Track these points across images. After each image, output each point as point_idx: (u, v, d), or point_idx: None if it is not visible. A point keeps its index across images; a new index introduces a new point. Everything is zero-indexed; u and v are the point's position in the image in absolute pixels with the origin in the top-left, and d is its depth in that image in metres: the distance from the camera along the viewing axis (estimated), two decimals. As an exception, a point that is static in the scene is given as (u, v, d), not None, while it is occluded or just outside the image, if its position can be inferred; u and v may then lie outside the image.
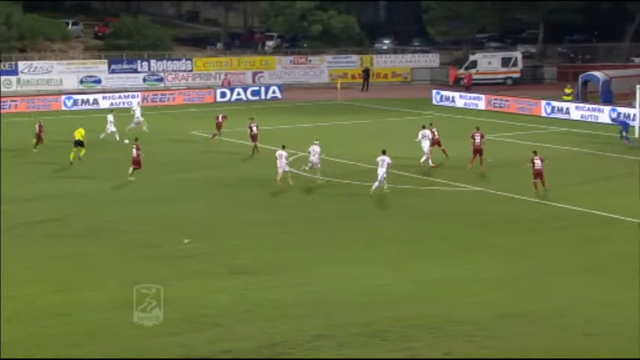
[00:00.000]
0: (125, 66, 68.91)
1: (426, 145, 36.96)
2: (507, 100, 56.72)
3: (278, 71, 72.39)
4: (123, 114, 49.23)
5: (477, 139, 36.39)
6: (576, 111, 52.28)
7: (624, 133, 42.90)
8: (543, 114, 53.62)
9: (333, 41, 77.27)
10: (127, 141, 40.51)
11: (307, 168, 34.81)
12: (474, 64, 70.65)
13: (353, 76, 73.14)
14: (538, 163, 32.36)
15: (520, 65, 71.10)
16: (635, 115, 47.21)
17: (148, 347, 18.21)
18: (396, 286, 22.15)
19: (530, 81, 71.53)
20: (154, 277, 22.46)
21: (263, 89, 65.70)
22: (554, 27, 77.10)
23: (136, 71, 68.79)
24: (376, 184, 32.06)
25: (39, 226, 27.98)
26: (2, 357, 17.77)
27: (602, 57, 74.52)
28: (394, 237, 26.71)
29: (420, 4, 79.19)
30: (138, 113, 47.18)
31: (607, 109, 50.67)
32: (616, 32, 76.25)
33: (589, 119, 50.99)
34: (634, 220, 28.23)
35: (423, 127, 37.87)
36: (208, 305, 20.60)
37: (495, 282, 22.39)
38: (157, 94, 63.19)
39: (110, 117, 44.20)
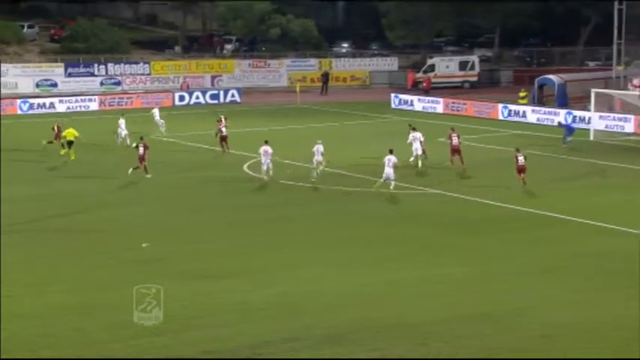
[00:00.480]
0: (82, 69, 68.53)
1: (417, 147, 37.61)
2: (465, 104, 57.47)
3: (237, 75, 72.47)
4: (80, 117, 48.95)
5: (455, 139, 37.36)
6: (532, 114, 53.13)
7: (568, 138, 43.15)
8: (500, 117, 54.40)
9: (292, 45, 77.57)
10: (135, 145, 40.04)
11: (318, 172, 34.99)
12: (432, 67, 71.39)
13: (312, 80, 73.46)
14: (521, 159, 33.67)
15: (477, 69, 72.00)
16: (590, 118, 48.18)
17: (123, 350, 18.30)
18: (359, 287, 22.43)
19: (487, 84, 72.44)
20: (116, 282, 22.56)
21: (222, 93, 65.76)
22: (510, 31, 78.22)
23: (93, 75, 68.47)
24: (380, 181, 32.91)
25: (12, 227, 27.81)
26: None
27: (557, 61, 75.80)
28: (356, 239, 27.03)
29: (379, 9, 79.77)
30: (157, 116, 47.11)
31: (562, 112, 51.56)
32: (570, 37, 77.55)
33: (545, 122, 51.86)
34: (588, 221, 28.83)
35: (413, 130, 38.62)
36: (181, 308, 20.68)
37: (457, 283, 22.74)
38: (114, 98, 62.95)
39: (122, 121, 43.99)
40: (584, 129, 47.33)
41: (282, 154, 40.63)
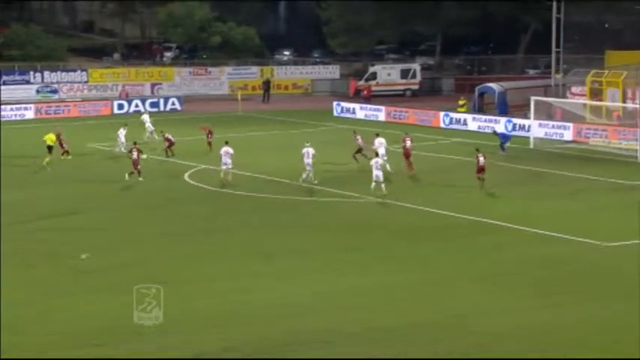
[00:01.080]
0: (17, 77, 67.57)
1: (383, 152, 38.49)
2: (407, 112, 58.07)
3: (177, 83, 72.17)
4: (15, 126, 48.27)
5: (408, 142, 38.37)
6: (473, 122, 53.89)
7: (506, 144, 43.80)
8: (442, 125, 55.09)
9: (233, 52, 77.55)
10: (144, 156, 39.76)
11: (306, 176, 36.10)
12: (374, 75, 71.96)
13: (253, 88, 73.48)
14: (482, 159, 35.25)
15: (419, 77, 72.78)
16: (529, 125, 49.07)
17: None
18: (297, 297, 22.55)
19: (428, 93, 73.23)
20: (49, 293, 22.36)
21: (162, 101, 65.44)
22: (451, 39, 79.25)
23: (28, 82, 67.55)
24: (373, 184, 33.83)
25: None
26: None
27: (497, 69, 76.98)
28: (298, 248, 27.17)
29: (320, 16, 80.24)
30: (148, 122, 47.14)
31: (503, 120, 52.39)
32: (511, 44, 78.86)
33: (485, 130, 52.59)
34: (528, 229, 29.40)
35: (377, 136, 39.68)
36: (114, 319, 20.63)
37: (397, 291, 23.01)
38: (51, 107, 62.19)
39: (147, 120, 45.02)
40: (524, 137, 48.18)
41: (216, 162, 40.59)
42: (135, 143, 37.79)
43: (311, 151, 36.37)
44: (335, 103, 62.35)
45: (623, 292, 22.81)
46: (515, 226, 29.73)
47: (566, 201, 33.93)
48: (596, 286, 23.37)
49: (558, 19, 56.10)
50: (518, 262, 25.64)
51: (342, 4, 77.86)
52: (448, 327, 20.53)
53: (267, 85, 71.88)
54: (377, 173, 34.13)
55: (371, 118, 58.96)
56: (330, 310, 21.65)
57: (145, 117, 48.97)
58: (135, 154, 36.59)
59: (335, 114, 60.95)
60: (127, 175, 36.71)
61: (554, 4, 56.23)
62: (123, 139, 43.73)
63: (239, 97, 65.92)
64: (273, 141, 45.67)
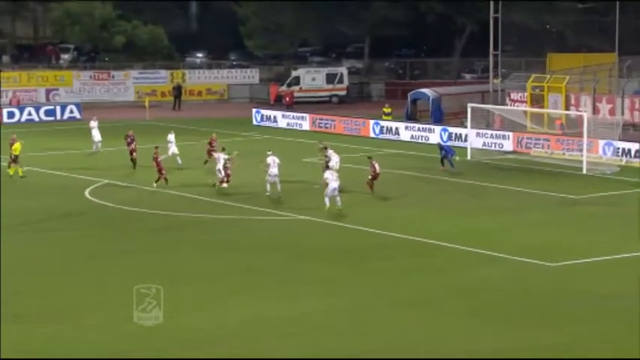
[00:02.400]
0: None
1: (333, 163, 39.00)
2: (333, 120, 58.33)
3: (76, 88, 71.23)
4: None
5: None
6: (406, 131, 54.37)
7: (454, 157, 43.51)
8: (372, 134, 55.45)
9: (139, 54, 76.94)
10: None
11: (270, 188, 36.72)
12: (297, 80, 72.17)
13: (163, 94, 73.01)
14: (377, 167, 36.55)
15: (346, 82, 73.23)
16: (466, 135, 49.73)
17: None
18: (200, 325, 22.31)
19: (357, 99, 73.82)
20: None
21: (59, 109, 64.46)
22: (381, 41, 79.98)
23: None
24: (326, 199, 34.22)
25: None
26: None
27: (431, 73, 78.00)
28: (205, 272, 26.99)
29: (237, 15, 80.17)
30: (173, 145, 45.22)
31: (438, 129, 53.03)
32: (445, 47, 79.96)
33: (419, 140, 53.17)
34: (465, 248, 29.70)
35: (325, 148, 40.72)
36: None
37: (313, 320, 22.91)
38: None
39: (172, 140, 44.14)
40: (461, 147, 48.78)
41: (127, 177, 40.23)
42: (156, 147, 39.19)
43: (276, 159, 37.00)
44: (254, 111, 62.29)
45: (574, 315, 23.11)
46: (452, 246, 29.97)
47: (507, 217, 34.40)
48: (544, 310, 23.64)
49: (496, 20, 57.11)
50: (454, 286, 25.76)
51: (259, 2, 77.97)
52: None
53: (178, 90, 71.45)
54: (334, 185, 34.26)
55: (294, 127, 59.04)
56: (237, 341, 21.37)
57: (171, 137, 45.59)
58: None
59: (254, 122, 60.88)
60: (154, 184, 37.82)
61: (492, 3, 57.23)
62: (175, 149, 43.89)
63: (146, 104, 65.35)
64: (185, 153, 45.31)
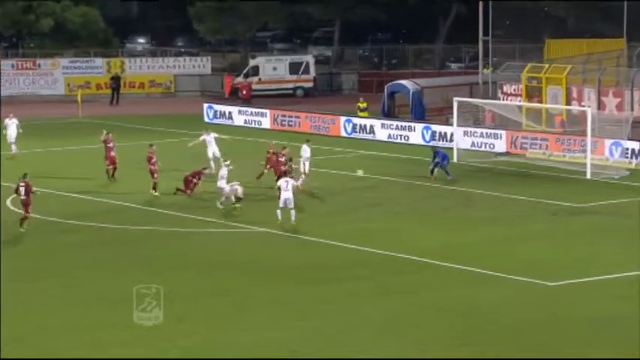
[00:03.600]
0: None
1: (306, 163, 39.95)
2: (298, 117, 58.48)
3: (-4, 79, 70.97)
4: None
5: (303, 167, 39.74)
6: (382, 130, 54.61)
7: (444, 164, 42.90)
8: (343, 133, 55.66)
9: (70, 40, 76.75)
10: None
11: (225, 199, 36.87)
12: (256, 70, 72.25)
13: (98, 86, 72.87)
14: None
15: (313, 72, 73.41)
16: (452, 134, 50.04)
17: None
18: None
19: (325, 92, 74.01)
20: None
21: (-25, 104, 64.15)
22: (353, 24, 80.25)
23: None
24: (278, 210, 34.25)
25: None
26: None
27: (411, 62, 78.27)
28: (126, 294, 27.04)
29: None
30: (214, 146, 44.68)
31: (419, 126, 53.34)
32: (428, 32, 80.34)
33: (398, 140, 53.43)
34: (451, 265, 29.93)
35: (307, 142, 41.37)
36: None
37: (272, 348, 23.00)
38: None
39: (208, 137, 44.06)
40: (446, 148, 49.06)
41: (52, 183, 40.11)
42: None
43: (225, 171, 37.55)
44: (206, 106, 62.29)
45: (571, 344, 23.42)
46: (437, 263, 30.18)
47: (499, 230, 34.66)
48: (539, 337, 23.89)
49: (486, 0, 57.50)
50: (438, 310, 25.89)
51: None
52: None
53: (116, 82, 71.35)
54: (286, 196, 34.40)
55: (252, 125, 59.11)
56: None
57: (208, 137, 44.86)
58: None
59: (206, 119, 60.87)
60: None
61: (481, -19, 57.69)
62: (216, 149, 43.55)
63: (79, 98, 65.15)
64: (126, 156, 45.19)
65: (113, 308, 25.79)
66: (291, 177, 36.37)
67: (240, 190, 37.20)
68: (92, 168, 43.98)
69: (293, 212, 34.52)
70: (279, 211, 34.64)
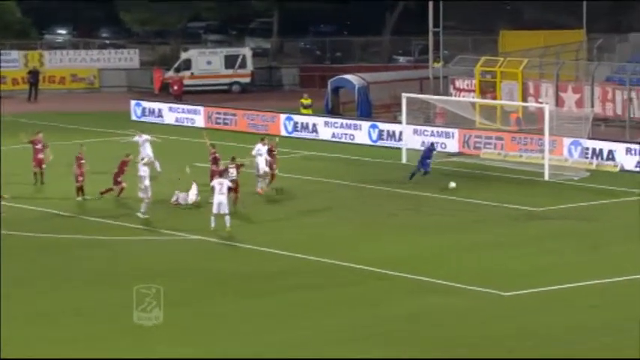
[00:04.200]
0: None
1: (261, 163, 39.75)
2: (234, 114, 58.46)
3: None
4: None
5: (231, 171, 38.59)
6: (326, 128, 54.78)
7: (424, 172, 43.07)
8: (283, 132, 55.68)
9: (-18, 31, 76.11)
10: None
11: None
12: (188, 64, 72.04)
13: (15, 81, 72.19)
14: (233, 172, 36.42)
15: (250, 66, 73.35)
16: (401, 133, 50.32)
17: None
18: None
19: (264, 87, 73.99)
20: None
21: None
22: (293, 15, 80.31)
23: None
24: (212, 218, 34.18)
25: None
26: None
27: (357, 55, 78.45)
28: (71, 309, 27.03)
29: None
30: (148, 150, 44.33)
31: (365, 125, 53.57)
32: (374, 22, 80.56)
33: (343, 139, 53.59)
34: (405, 275, 30.14)
35: (261, 140, 41.17)
36: None
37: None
38: None
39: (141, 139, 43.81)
40: (394, 148, 49.38)
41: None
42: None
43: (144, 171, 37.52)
44: (133, 103, 62.04)
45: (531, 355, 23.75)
46: (385, 272, 30.40)
47: (452, 236, 34.95)
48: (497, 348, 24.17)
49: (437, -12, 57.87)
50: (386, 323, 26.04)
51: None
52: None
53: (34, 77, 70.75)
54: (219, 200, 34.40)
55: (185, 124, 58.95)
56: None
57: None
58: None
59: (134, 117, 60.64)
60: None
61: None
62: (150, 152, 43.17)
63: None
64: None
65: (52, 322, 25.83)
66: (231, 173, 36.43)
67: (193, 197, 37.17)
68: (8, 172, 43.54)
69: (227, 218, 34.54)
70: (212, 218, 34.70)
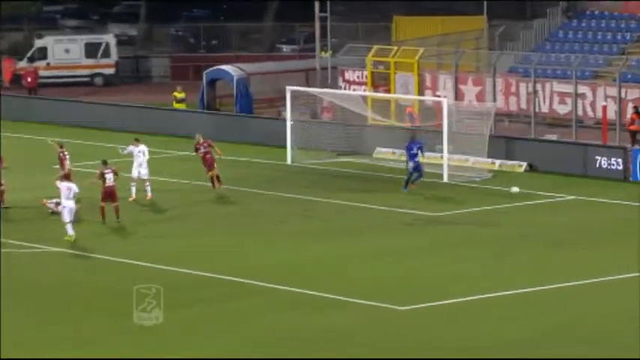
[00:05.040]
0: None
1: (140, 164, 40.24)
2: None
3: None
4: None
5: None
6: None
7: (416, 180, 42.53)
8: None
9: None
10: None
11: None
12: (43, 53, 71.50)
13: None
14: (110, 178, 36.62)
15: (114, 55, 73.05)
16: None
17: None
18: None
19: (130, 79, 73.67)
20: None
21: None
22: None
23: None
24: (68, 226, 34.33)
25: None
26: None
27: (235, 43, 78.54)
28: None
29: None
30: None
31: (251, 123, 53.82)
32: (254, 7, 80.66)
33: (222, 137, 53.35)
34: (288, 288, 30.29)
35: (136, 141, 41.34)
36: None
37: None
38: None
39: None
40: (277, 147, 49.51)
41: None
42: None
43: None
44: (-20, 98, 61.41)
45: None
46: (268, 285, 30.56)
47: (341, 244, 35.28)
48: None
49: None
50: (261, 343, 26.08)
51: None
52: None
53: None
54: (69, 205, 34.38)
55: (44, 121, 58.44)
56: None
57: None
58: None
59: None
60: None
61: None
62: None
63: None
64: None
65: None
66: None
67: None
68: None
69: (69, 227, 34.55)
70: (69, 226, 34.59)
